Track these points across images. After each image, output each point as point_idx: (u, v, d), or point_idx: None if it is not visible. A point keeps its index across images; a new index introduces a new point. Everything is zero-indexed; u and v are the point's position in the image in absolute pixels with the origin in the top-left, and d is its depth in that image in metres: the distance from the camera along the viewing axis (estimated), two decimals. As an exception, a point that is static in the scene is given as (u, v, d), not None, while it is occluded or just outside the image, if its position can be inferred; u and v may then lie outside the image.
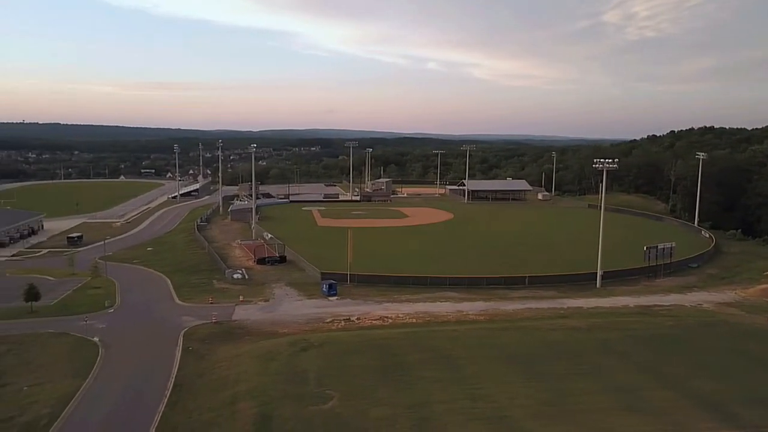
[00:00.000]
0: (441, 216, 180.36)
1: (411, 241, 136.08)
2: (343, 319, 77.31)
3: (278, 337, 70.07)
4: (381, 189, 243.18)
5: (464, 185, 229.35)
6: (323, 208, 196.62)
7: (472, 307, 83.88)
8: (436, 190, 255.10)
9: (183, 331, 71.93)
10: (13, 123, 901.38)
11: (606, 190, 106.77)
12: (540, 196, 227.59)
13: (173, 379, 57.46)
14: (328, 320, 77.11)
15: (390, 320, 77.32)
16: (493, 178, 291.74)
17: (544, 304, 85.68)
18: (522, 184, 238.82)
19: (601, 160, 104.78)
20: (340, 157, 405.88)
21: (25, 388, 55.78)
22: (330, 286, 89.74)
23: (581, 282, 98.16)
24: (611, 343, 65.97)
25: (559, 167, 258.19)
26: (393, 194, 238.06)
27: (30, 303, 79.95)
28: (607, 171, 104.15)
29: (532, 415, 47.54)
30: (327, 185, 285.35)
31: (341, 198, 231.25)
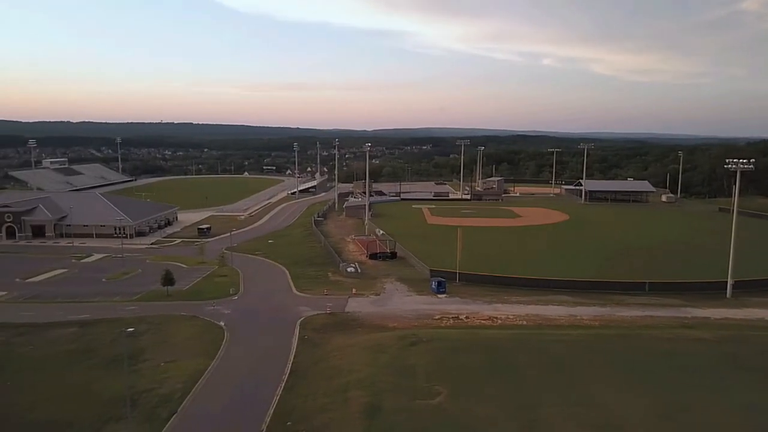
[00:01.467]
0: (555, 217, 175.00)
1: (522, 242, 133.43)
2: (452, 317, 77.74)
3: (388, 330, 71.90)
4: (492, 188, 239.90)
5: (581, 185, 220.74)
6: (433, 206, 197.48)
7: (587, 311, 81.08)
8: (551, 190, 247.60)
9: (299, 320, 75.83)
10: (152, 123, 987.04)
11: (740, 192, 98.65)
12: (664, 198, 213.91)
13: (290, 365, 60.89)
14: (436, 317, 77.89)
15: (499, 321, 76.69)
16: (613, 179, 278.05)
17: (665, 313, 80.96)
18: (644, 185, 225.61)
19: (735, 160, 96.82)
20: (452, 156, 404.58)
21: (162, 364, 61.57)
22: (439, 284, 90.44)
23: (709, 291, 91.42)
24: (742, 358, 61.17)
25: (686, 167, 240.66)
26: (505, 193, 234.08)
27: (166, 288, 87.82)
28: (742, 172, 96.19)
29: (648, 428, 45.47)
30: (437, 183, 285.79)
31: (451, 196, 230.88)
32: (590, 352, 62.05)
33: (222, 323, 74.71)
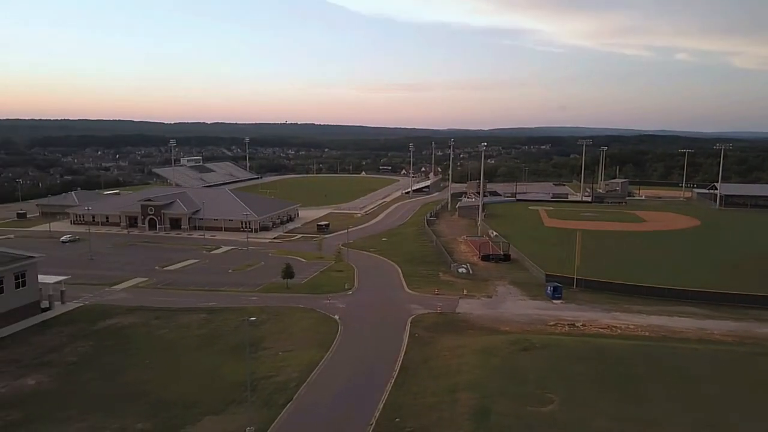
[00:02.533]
0: (685, 222, 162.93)
1: (647, 248, 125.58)
2: (567, 324, 74.91)
3: (499, 333, 70.72)
4: (615, 190, 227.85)
5: (716, 189, 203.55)
6: (551, 207, 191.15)
7: (718, 326, 74.78)
8: (681, 194, 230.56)
9: (410, 318, 76.63)
10: (278, 124, 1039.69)
11: None
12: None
13: (400, 362, 61.73)
14: (551, 323, 75.42)
15: (619, 330, 72.79)
16: (753, 182, 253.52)
17: (814, 332, 72.68)
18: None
19: None
20: (572, 156, 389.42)
21: (280, 353, 64.85)
22: (555, 289, 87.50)
23: None
24: None
25: None
26: (629, 196, 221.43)
27: (286, 280, 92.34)
28: None
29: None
30: (556, 184, 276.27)
31: (570, 198, 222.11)
32: (722, 370, 57.24)
33: (336, 317, 77.27)
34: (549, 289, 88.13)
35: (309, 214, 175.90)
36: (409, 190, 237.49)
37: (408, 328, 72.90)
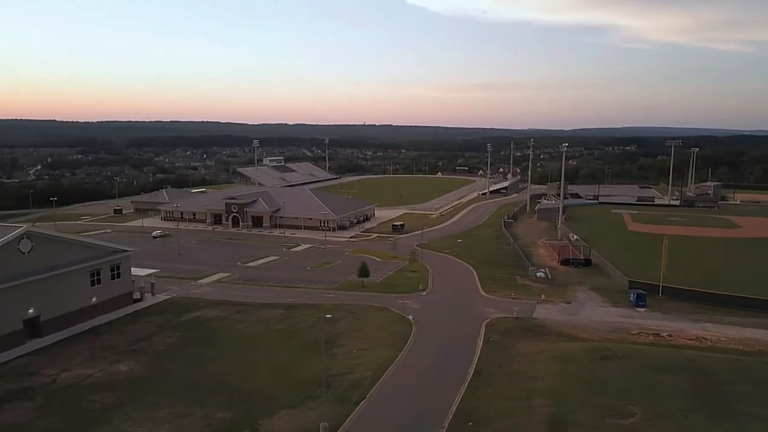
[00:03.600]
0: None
1: (741, 256, 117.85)
2: (652, 333, 71.50)
3: (578, 341, 68.51)
4: (707, 193, 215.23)
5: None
6: (635, 211, 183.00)
7: (823, 342, 69.04)
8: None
9: (485, 322, 75.62)
10: (356, 125, 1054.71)
11: None
12: None
13: (474, 365, 61.06)
14: (633, 332, 72.24)
15: (708, 342, 68.71)
16: None
17: None
18: None
19: None
20: (659, 157, 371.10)
21: (355, 350, 65.73)
22: (638, 297, 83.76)
23: None
24: None
25: None
26: (722, 200, 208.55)
27: (361, 279, 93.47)
28: None
29: None
30: (641, 187, 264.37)
31: (657, 202, 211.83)
32: (826, 390, 52.78)
33: (410, 317, 77.42)
34: (632, 297, 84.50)
35: (385, 214, 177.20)
36: (486, 191, 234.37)
37: (483, 331, 71.98)
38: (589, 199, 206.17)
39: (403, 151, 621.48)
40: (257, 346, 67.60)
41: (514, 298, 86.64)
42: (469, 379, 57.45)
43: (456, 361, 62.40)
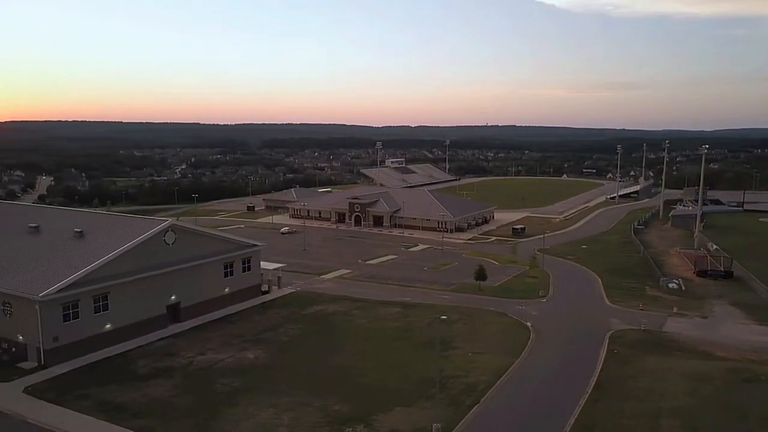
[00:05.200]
0: None
1: None
2: (805, 357, 64.14)
3: (714, 359, 63.10)
4: None
5: None
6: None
7: None
8: None
9: (609, 333, 71.87)
10: (478, 126, 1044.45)
11: None
12: None
13: (596, 378, 58.29)
14: (782, 354, 65.25)
15: None
16: None
17: None
18: None
19: None
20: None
21: (470, 354, 65.25)
22: (789, 315, 75.51)
23: None
24: None
25: None
26: None
27: (478, 282, 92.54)
28: None
29: None
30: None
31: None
32: None
33: (529, 323, 75.47)
34: (782, 315, 76.33)
35: (505, 216, 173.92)
36: (615, 195, 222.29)
37: (606, 343, 68.47)
38: (732, 206, 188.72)
39: (526, 152, 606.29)
40: (374, 342, 69.24)
41: (642, 310, 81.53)
42: (589, 392, 54.96)
43: (576, 372, 59.96)
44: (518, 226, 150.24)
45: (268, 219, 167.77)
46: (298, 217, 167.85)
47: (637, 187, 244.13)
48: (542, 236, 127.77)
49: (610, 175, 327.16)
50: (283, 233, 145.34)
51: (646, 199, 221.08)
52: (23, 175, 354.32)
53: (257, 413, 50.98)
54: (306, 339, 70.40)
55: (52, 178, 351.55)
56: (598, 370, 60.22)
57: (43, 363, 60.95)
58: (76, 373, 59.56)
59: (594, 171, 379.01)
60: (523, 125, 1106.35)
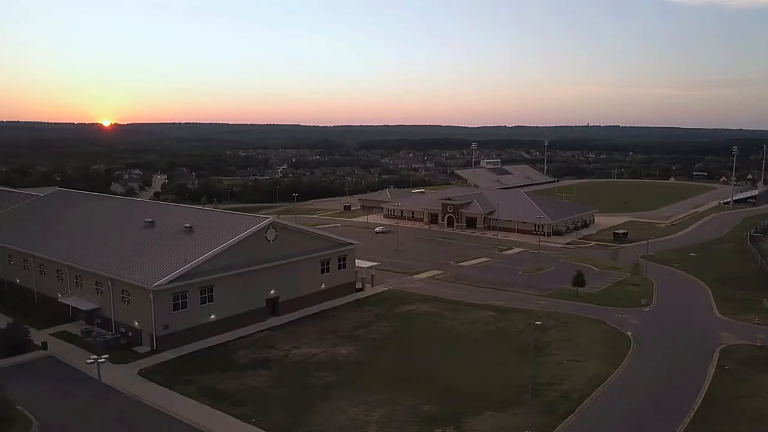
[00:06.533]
0: None
1: None
2: None
3: (844, 383, 57.23)
4: None
5: None
6: None
7: None
8: None
9: (719, 347, 67.08)
10: (579, 126, 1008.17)
11: None
12: None
13: (703, 394, 54.70)
14: None
15: None
16: None
17: None
18: None
19: None
20: None
21: (565, 361, 63.20)
22: None
23: None
24: None
25: None
26: None
27: (576, 288, 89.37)
28: None
29: None
30: None
31: None
32: None
33: (629, 333, 71.97)
34: None
35: (605, 221, 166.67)
36: (730, 199, 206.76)
37: (715, 358, 63.98)
38: None
39: (630, 153, 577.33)
40: (466, 344, 68.75)
41: (758, 324, 75.34)
42: (695, 409, 51.67)
43: (681, 387, 56.56)
44: (620, 231, 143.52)
45: (363, 218, 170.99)
46: (392, 217, 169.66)
47: (754, 192, 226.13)
48: (646, 242, 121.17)
49: (723, 178, 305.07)
50: (377, 232, 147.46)
51: (765, 205, 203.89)
52: (141, 173, 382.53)
53: (349, 408, 52.19)
54: (397, 338, 71.11)
55: (165, 177, 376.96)
56: (706, 387, 56.45)
57: (155, 348, 65.72)
58: (182, 360, 63.69)
59: (705, 174, 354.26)
60: (628, 125, 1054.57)
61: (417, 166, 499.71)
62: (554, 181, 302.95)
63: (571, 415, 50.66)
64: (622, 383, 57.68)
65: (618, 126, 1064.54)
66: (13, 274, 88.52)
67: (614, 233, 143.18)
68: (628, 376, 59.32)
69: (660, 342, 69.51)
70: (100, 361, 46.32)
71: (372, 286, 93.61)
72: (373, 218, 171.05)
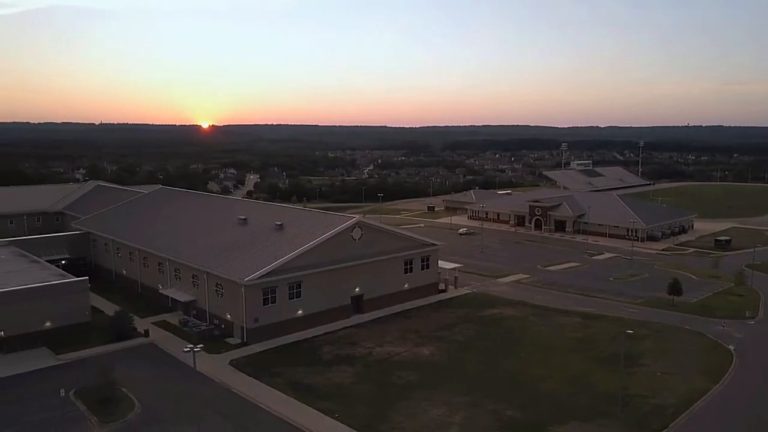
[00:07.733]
0: None
1: None
2: None
3: None
4: None
5: None
6: None
7: None
8: None
9: (836, 367, 61.49)
10: (677, 126, 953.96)
11: None
12: None
13: (815, 417, 50.35)
14: None
15: None
16: None
17: None
18: None
19: None
20: None
21: (659, 373, 60.10)
22: None
23: None
24: None
25: None
26: None
27: (672, 297, 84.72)
28: None
29: None
30: None
31: None
32: None
33: (731, 347, 67.40)
34: None
35: (706, 226, 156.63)
36: None
37: (832, 377, 58.71)
38: None
39: (735, 155, 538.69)
40: (552, 351, 66.95)
41: None
42: (806, 433, 47.68)
43: (789, 408, 52.32)
44: (722, 238, 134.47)
45: (446, 219, 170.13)
46: (476, 219, 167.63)
47: None
48: (752, 250, 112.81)
49: None
50: (460, 234, 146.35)
51: None
52: (235, 172, 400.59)
53: (430, 409, 52.25)
54: (481, 341, 70.33)
55: (258, 176, 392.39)
56: (820, 409, 51.94)
57: (245, 340, 68.68)
58: (270, 353, 66.15)
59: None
60: (732, 125, 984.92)
61: (503, 167, 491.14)
62: (649, 184, 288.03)
63: (665, 430, 48.14)
64: (722, 401, 54.14)
65: (722, 126, 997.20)
66: (120, 265, 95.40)
67: (715, 240, 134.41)
68: (728, 394, 55.61)
69: (766, 358, 64.61)
70: (195, 350, 49.08)
71: (455, 287, 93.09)
72: (456, 219, 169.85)
